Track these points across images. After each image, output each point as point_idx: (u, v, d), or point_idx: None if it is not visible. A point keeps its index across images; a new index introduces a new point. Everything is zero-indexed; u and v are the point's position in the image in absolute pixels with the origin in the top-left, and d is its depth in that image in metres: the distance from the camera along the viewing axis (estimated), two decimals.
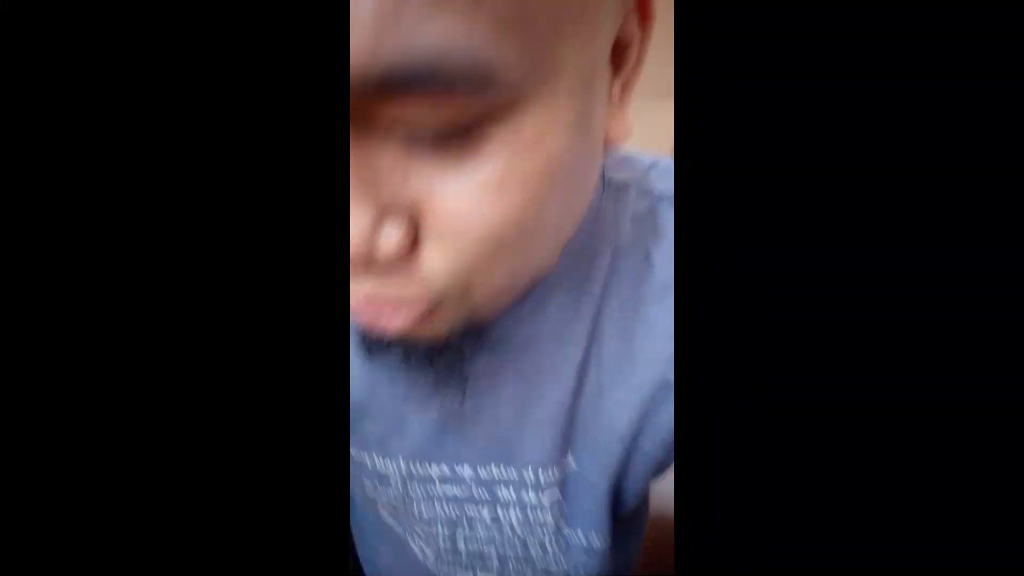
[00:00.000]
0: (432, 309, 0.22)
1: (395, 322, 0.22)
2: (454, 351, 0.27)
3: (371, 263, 0.20)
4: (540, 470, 0.33)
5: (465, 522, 0.36)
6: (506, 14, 0.15)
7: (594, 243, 0.30)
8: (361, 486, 0.39)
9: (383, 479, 0.37)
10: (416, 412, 0.34)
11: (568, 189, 0.21)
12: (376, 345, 0.26)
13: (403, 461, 0.35)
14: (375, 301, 0.21)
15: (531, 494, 0.34)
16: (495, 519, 0.36)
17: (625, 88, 0.23)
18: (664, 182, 0.32)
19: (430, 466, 0.35)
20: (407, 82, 0.15)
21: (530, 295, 0.30)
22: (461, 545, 0.38)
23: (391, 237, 0.19)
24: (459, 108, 0.16)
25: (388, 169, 0.18)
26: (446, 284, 0.21)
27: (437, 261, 0.20)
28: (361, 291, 0.21)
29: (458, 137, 0.17)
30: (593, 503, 0.34)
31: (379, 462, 0.36)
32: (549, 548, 0.36)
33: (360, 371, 0.34)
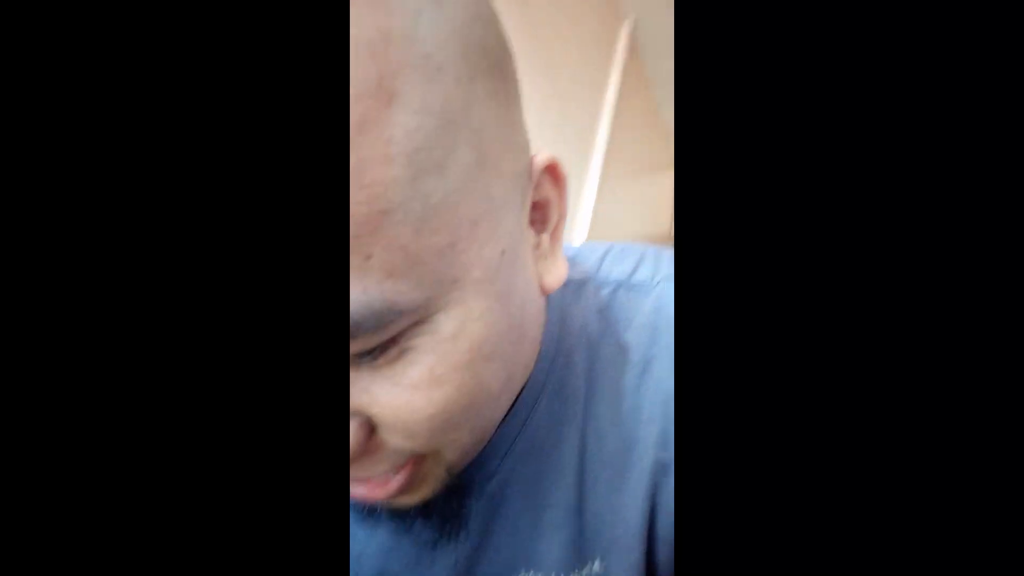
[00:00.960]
0: (408, 477, 0.25)
1: (379, 493, 0.24)
2: (445, 502, 0.29)
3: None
4: (564, 574, 0.32)
5: None
6: (395, 262, 0.18)
7: (567, 344, 0.31)
8: None
9: None
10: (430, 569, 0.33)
11: (504, 356, 0.24)
12: (373, 514, 0.29)
13: None
14: (353, 482, 0.24)
15: None
16: None
17: (554, 239, 0.26)
18: (619, 267, 0.33)
19: None
20: None
21: (515, 409, 0.30)
22: None
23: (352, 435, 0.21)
24: (372, 340, 0.19)
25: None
26: (411, 456, 0.24)
27: (395, 442, 0.23)
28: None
29: (383, 352, 0.20)
30: None
31: None
32: None
33: (364, 547, 0.33)
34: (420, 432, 0.22)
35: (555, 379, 0.31)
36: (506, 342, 0.23)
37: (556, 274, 0.26)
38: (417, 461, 0.24)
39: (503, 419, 0.30)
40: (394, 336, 0.20)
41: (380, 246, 0.18)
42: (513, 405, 0.30)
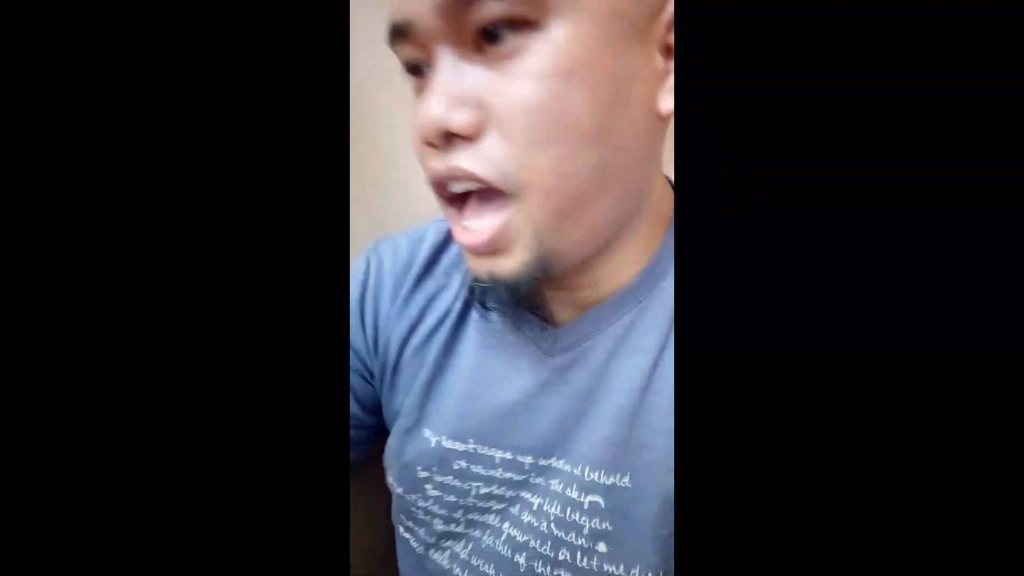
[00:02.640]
0: (500, 228, 0.28)
1: (470, 238, 0.29)
2: (534, 297, 0.34)
3: (447, 140, 0.27)
4: (590, 470, 0.34)
5: (515, 510, 0.36)
6: None
7: (662, 269, 0.34)
8: (408, 478, 0.39)
9: (442, 461, 0.37)
10: (501, 378, 0.37)
11: (602, 133, 0.27)
12: (481, 294, 0.33)
13: (471, 442, 0.37)
14: (453, 171, 0.28)
15: (575, 492, 0.34)
16: (539, 511, 0.35)
17: (668, 52, 0.29)
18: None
19: (494, 449, 0.37)
20: None
21: (609, 300, 0.34)
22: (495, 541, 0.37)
23: (463, 115, 0.27)
24: (508, 7, 0.25)
25: (466, 74, 0.27)
26: (503, 168, 0.27)
27: (498, 144, 0.27)
28: (440, 165, 0.28)
29: (510, 51, 0.26)
30: (641, 537, 0.32)
31: (446, 443, 0.37)
32: (581, 563, 0.34)
33: (459, 347, 0.38)
34: (522, 135, 0.26)
35: (651, 295, 0.34)
36: (605, 117, 0.27)
37: (669, 104, 0.29)
38: (506, 207, 0.28)
39: (611, 295, 0.34)
40: (516, 28, 0.25)
41: None
42: (608, 299, 0.34)
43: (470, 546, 0.38)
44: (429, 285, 0.41)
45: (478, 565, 0.37)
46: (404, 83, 0.32)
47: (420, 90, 0.30)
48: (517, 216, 0.28)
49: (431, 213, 0.40)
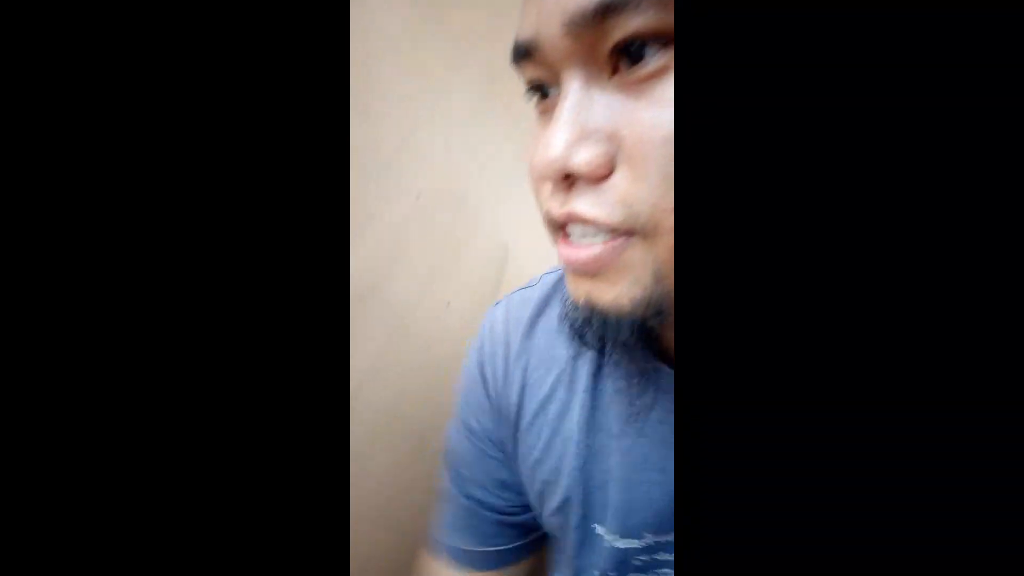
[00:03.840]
0: (614, 251, 0.24)
1: (578, 254, 0.25)
2: (644, 338, 0.28)
3: (567, 180, 0.24)
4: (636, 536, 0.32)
5: None
6: None
7: None
8: None
9: (622, 560, 0.33)
10: (662, 450, 0.31)
11: None
12: (579, 326, 0.28)
13: (648, 535, 0.32)
14: (571, 217, 0.24)
15: None
16: None
17: None
18: None
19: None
20: (623, 1, 0.21)
21: None
22: None
23: (588, 153, 0.23)
24: (661, 18, 0.21)
25: (597, 103, 0.23)
26: (633, 209, 0.23)
27: (626, 183, 0.23)
28: (556, 208, 0.25)
29: (654, 71, 0.22)
30: None
31: (619, 542, 0.33)
32: None
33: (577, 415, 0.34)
34: (653, 172, 0.22)
35: None
36: None
37: None
38: (627, 239, 0.24)
39: None
40: (666, 44, 0.21)
41: None
42: None
43: None
44: (539, 338, 0.37)
45: None
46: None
47: (544, 113, 0.26)
48: (638, 248, 0.24)
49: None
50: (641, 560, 0.33)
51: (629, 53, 0.22)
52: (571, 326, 0.28)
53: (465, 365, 0.41)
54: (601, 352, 0.32)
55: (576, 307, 0.27)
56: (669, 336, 0.31)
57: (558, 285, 0.38)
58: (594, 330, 0.27)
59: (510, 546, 0.40)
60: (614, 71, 0.23)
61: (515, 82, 0.28)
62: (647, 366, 0.31)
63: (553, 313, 0.37)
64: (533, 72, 0.25)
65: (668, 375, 0.31)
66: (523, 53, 0.25)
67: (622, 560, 0.33)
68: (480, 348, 0.40)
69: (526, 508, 0.39)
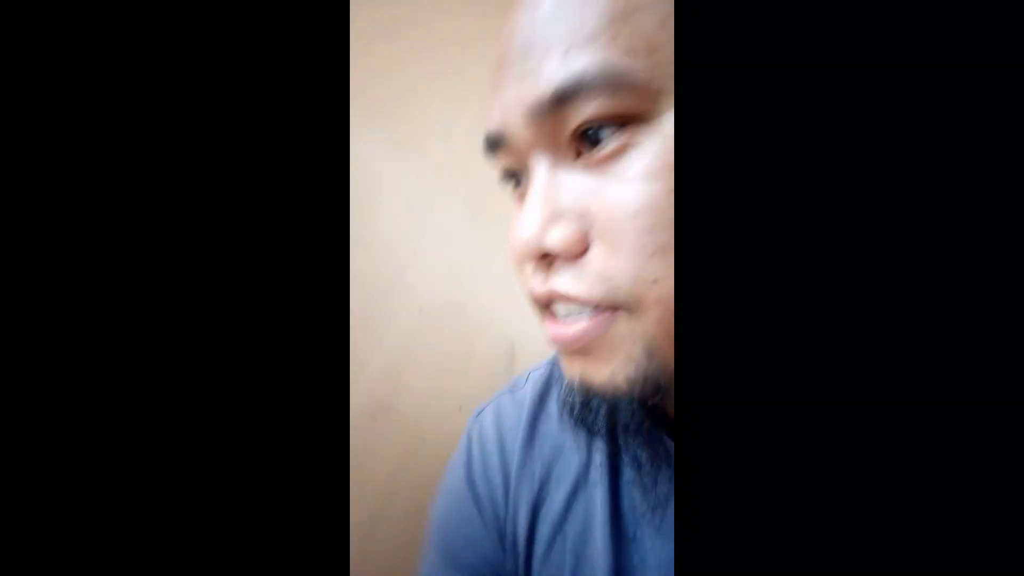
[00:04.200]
0: (599, 327, 0.24)
1: (563, 332, 0.24)
2: (647, 427, 0.26)
3: (545, 259, 0.24)
4: None
5: None
6: (636, 44, 0.22)
7: None
8: None
9: None
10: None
11: None
12: (580, 411, 0.26)
13: None
14: (552, 296, 0.24)
15: None
16: None
17: None
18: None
19: None
20: (573, 91, 0.22)
21: None
22: None
23: (561, 232, 0.24)
24: (611, 103, 0.22)
25: (565, 184, 0.24)
26: (613, 283, 0.23)
27: (602, 259, 0.23)
28: (539, 286, 0.25)
29: (614, 151, 0.23)
30: None
31: None
32: None
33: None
34: (629, 245, 0.22)
35: None
36: None
37: None
38: (612, 314, 0.24)
39: None
40: (626, 122, 0.22)
41: (627, 30, 0.22)
42: None
43: None
44: (541, 446, 0.33)
45: None
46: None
47: (519, 199, 0.27)
48: (624, 323, 0.24)
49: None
50: None
51: (588, 137, 0.23)
52: (571, 413, 0.27)
53: (446, 486, 0.36)
54: (612, 440, 0.29)
55: (573, 390, 0.26)
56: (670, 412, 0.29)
57: (551, 379, 0.35)
58: (596, 412, 0.26)
59: None
60: (577, 154, 0.24)
61: (499, 194, 0.29)
62: (659, 448, 0.29)
63: (553, 410, 0.34)
64: (505, 161, 0.26)
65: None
66: (493, 144, 0.26)
67: None
68: (468, 464, 0.35)
69: None
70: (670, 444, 0.29)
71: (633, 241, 0.22)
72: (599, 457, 0.31)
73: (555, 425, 0.33)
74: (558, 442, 0.33)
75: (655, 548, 0.29)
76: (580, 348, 0.24)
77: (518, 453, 0.33)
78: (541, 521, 0.31)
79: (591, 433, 0.27)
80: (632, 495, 0.29)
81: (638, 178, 0.22)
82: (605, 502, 0.30)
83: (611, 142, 0.23)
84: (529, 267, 0.25)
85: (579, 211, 0.23)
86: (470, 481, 0.34)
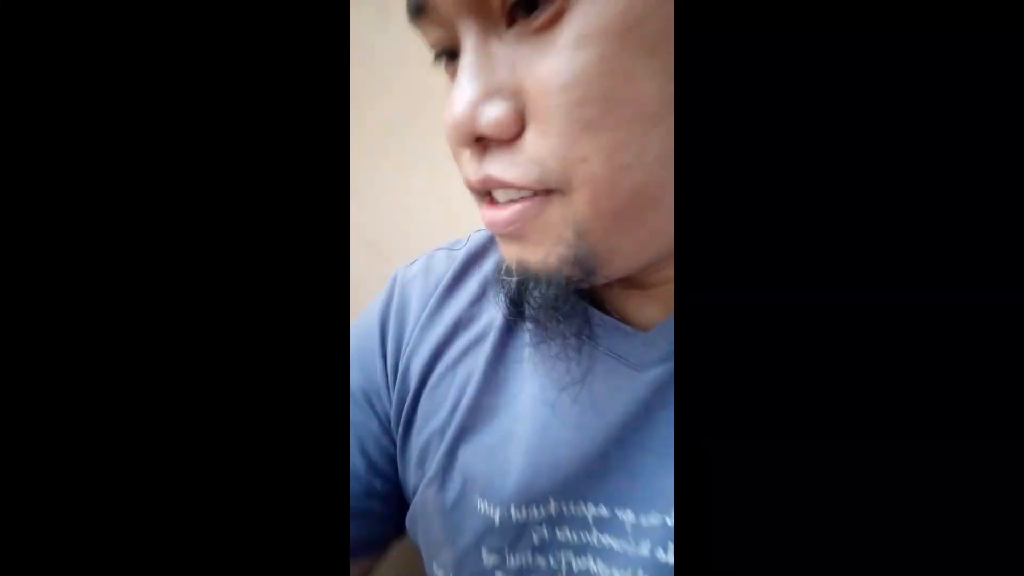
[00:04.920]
0: (532, 209, 0.23)
1: (497, 216, 0.24)
2: (573, 304, 0.26)
3: (476, 141, 0.23)
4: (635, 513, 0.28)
5: None
6: None
7: None
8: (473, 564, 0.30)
9: (517, 534, 0.29)
10: (582, 411, 0.29)
11: (644, 80, 0.21)
12: (514, 292, 0.27)
13: (552, 502, 0.29)
14: (487, 183, 0.24)
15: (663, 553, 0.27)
16: None
17: None
18: None
19: (585, 506, 0.28)
20: None
21: (659, 327, 0.28)
22: None
23: (494, 113, 0.22)
24: None
25: (498, 57, 0.22)
26: (545, 166, 0.22)
27: (537, 141, 0.22)
28: (472, 172, 0.24)
29: (548, 18, 0.21)
30: None
31: (516, 512, 0.29)
32: None
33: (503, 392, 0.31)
34: (562, 122, 0.21)
35: None
36: (645, 72, 0.21)
37: None
38: (546, 197, 0.23)
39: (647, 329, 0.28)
40: None
41: None
42: (658, 325, 0.28)
43: None
44: (461, 297, 0.34)
45: None
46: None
47: (451, 77, 0.25)
48: (556, 205, 0.23)
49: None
50: (541, 535, 0.29)
51: (522, 1, 0.21)
52: (505, 294, 0.27)
53: (360, 314, 0.37)
54: (533, 320, 0.28)
55: (510, 272, 0.26)
56: (614, 293, 0.30)
57: (489, 245, 0.35)
58: (529, 295, 0.26)
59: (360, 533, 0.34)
60: (510, 23, 0.22)
61: None
62: (584, 326, 0.29)
63: (483, 270, 0.34)
64: (432, 32, 0.24)
65: (607, 326, 0.29)
66: (416, 10, 0.24)
67: (517, 535, 0.29)
68: (385, 304, 0.36)
69: (390, 486, 0.35)
70: (596, 319, 0.29)
71: (563, 117, 0.21)
72: (508, 328, 0.32)
73: (479, 284, 0.34)
74: (478, 299, 0.34)
75: (573, 415, 0.29)
76: (514, 231, 0.24)
77: (435, 298, 0.34)
78: (440, 360, 0.33)
79: (521, 314, 0.28)
80: (557, 368, 0.30)
81: (569, 46, 0.21)
82: (499, 348, 0.31)
83: (546, 7, 0.21)
84: (465, 153, 0.24)
85: (513, 88, 0.22)
86: (383, 318, 0.36)
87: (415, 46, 0.28)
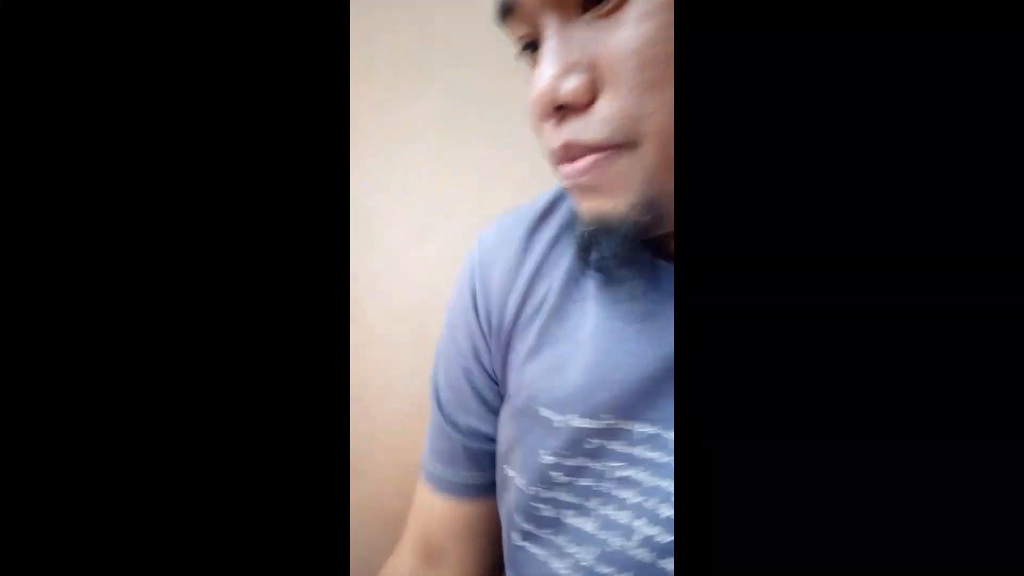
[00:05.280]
0: (606, 160, 0.27)
1: (572, 168, 0.28)
2: (637, 251, 0.30)
3: (556, 110, 0.27)
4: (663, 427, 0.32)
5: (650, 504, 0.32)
6: None
7: None
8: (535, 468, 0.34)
9: (574, 441, 0.33)
10: (639, 341, 0.32)
11: None
12: (587, 241, 0.30)
13: (606, 417, 0.33)
14: (566, 147, 0.28)
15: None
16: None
17: None
18: None
19: (635, 423, 0.32)
20: None
21: None
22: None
23: (572, 84, 0.27)
24: None
25: (573, 41, 0.27)
26: (615, 124, 0.27)
27: (608, 103, 0.27)
28: (554, 140, 0.28)
29: (615, 4, 0.26)
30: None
31: (572, 421, 0.33)
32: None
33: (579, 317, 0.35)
34: (627, 75, 0.26)
35: None
36: None
37: None
38: (617, 151, 0.27)
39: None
40: None
41: None
42: None
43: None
44: (537, 248, 0.38)
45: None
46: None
47: (533, 65, 0.30)
48: (626, 158, 0.27)
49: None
50: (593, 444, 0.33)
51: None
52: (578, 242, 0.32)
53: (454, 288, 0.42)
54: (600, 266, 0.33)
55: (583, 224, 0.30)
56: (670, 245, 0.33)
57: (558, 202, 0.39)
58: (599, 242, 0.30)
59: (483, 481, 0.41)
60: (584, 10, 0.27)
61: None
62: (650, 274, 0.33)
63: (554, 224, 0.38)
64: (518, 29, 0.29)
65: (668, 271, 0.33)
66: (505, 10, 0.29)
67: (573, 441, 0.33)
68: (471, 267, 0.40)
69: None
70: (658, 265, 0.33)
71: (629, 80, 0.26)
72: (589, 270, 0.35)
73: (552, 236, 0.38)
74: (551, 249, 0.37)
75: (631, 345, 0.33)
76: (588, 183, 0.28)
77: (514, 252, 0.38)
78: (528, 304, 0.37)
79: (590, 261, 0.32)
80: (620, 307, 0.34)
81: (633, 21, 0.25)
82: (578, 287, 0.35)
83: (610, 2, 0.25)
84: (547, 124, 0.28)
85: (587, 63, 0.26)
86: (472, 281, 0.40)
87: None
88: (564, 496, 0.34)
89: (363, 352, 0.66)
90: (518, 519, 0.36)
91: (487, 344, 0.39)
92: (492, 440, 0.40)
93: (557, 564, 0.34)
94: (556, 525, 0.34)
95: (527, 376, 0.36)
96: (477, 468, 0.41)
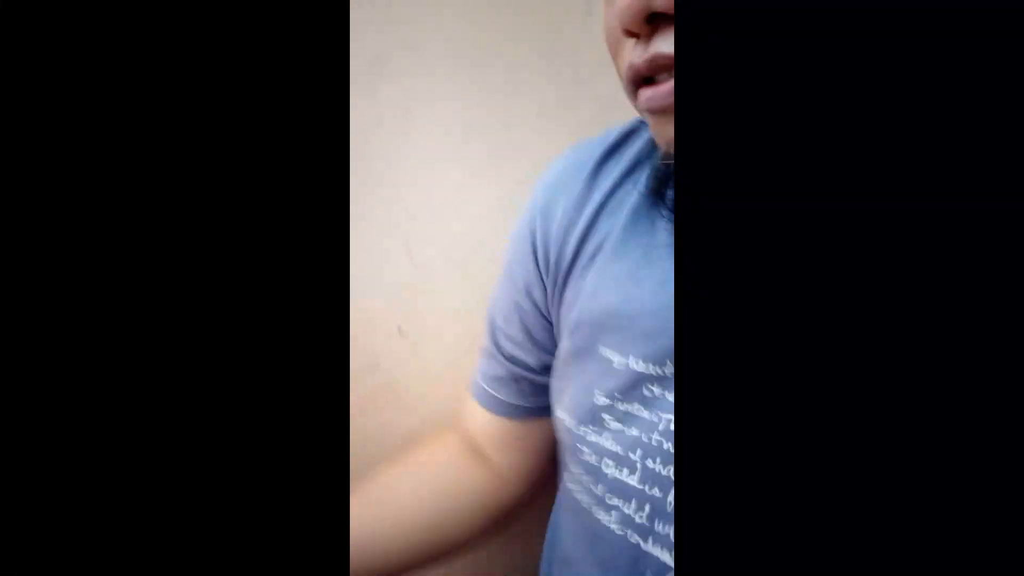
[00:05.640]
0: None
1: (655, 94, 0.25)
2: None
3: (650, 24, 0.24)
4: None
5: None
6: None
7: None
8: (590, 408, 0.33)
9: (631, 385, 0.31)
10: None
11: None
12: (658, 171, 0.29)
13: (669, 364, 0.30)
14: (655, 61, 0.24)
15: None
16: None
17: None
18: None
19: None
20: None
21: None
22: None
23: None
24: None
25: None
26: None
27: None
28: (639, 57, 0.25)
29: None
30: None
31: (635, 364, 0.31)
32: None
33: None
34: None
35: None
36: None
37: None
38: None
39: None
40: None
41: None
42: None
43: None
44: (603, 185, 0.36)
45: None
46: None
47: None
48: None
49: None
50: (650, 391, 0.31)
51: None
52: (654, 178, 0.29)
53: (517, 223, 0.41)
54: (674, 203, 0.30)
55: (662, 156, 0.27)
56: None
57: (632, 135, 0.37)
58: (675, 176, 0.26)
59: (527, 404, 0.42)
60: None
61: None
62: None
63: (626, 157, 0.36)
64: None
65: None
66: None
67: (631, 385, 0.31)
68: (533, 204, 0.39)
69: (553, 358, 0.39)
70: None
71: None
72: (658, 208, 0.33)
73: (621, 171, 0.35)
74: (618, 186, 0.35)
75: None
76: (672, 107, 0.25)
77: (580, 187, 0.36)
78: (588, 244, 0.35)
79: (663, 197, 0.30)
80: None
81: None
82: (634, 231, 0.33)
83: None
84: (630, 42, 0.25)
85: None
86: (531, 219, 0.39)
87: None
88: (608, 444, 0.32)
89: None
90: (568, 461, 0.36)
91: (542, 282, 0.38)
92: (535, 371, 0.41)
93: (602, 515, 0.32)
94: (596, 473, 0.33)
95: (587, 314, 0.34)
96: (519, 394, 0.42)
